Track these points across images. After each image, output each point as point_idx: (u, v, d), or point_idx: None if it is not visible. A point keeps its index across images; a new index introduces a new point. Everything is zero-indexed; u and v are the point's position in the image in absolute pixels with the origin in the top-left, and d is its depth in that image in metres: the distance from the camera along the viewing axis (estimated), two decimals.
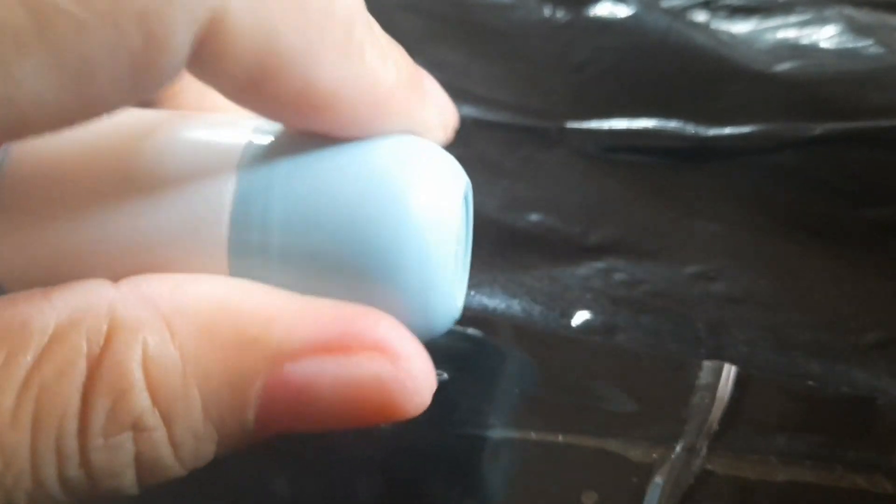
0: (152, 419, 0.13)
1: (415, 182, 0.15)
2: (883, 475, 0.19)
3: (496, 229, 0.27)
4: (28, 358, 0.13)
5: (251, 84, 0.14)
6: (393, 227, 0.15)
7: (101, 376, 0.13)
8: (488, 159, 0.29)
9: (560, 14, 0.31)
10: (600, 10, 0.31)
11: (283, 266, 0.15)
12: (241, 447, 0.15)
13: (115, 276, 0.15)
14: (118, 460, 0.13)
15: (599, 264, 0.25)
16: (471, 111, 0.30)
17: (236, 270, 0.15)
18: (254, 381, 0.14)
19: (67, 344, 0.13)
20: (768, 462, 0.20)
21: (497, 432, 0.21)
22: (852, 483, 0.19)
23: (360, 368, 0.14)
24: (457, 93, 0.31)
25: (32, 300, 0.14)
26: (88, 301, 0.14)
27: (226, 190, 0.15)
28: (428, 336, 0.16)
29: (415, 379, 0.15)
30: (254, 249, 0.15)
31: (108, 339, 0.13)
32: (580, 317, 0.23)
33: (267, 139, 0.16)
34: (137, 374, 0.13)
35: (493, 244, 0.26)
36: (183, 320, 0.14)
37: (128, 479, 0.14)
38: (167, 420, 0.13)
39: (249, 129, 0.16)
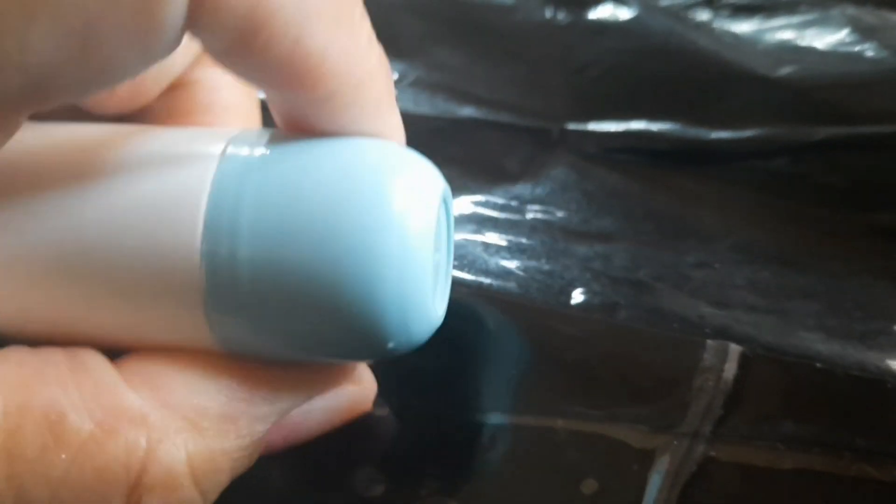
0: (197, 501, 0.15)
1: (391, 186, 0.15)
2: (894, 463, 0.19)
3: (494, 224, 0.26)
4: (64, 456, 0.14)
5: (242, 38, 0.14)
6: (370, 233, 0.14)
7: (149, 481, 0.15)
8: (489, 160, 0.29)
9: (561, 16, 0.31)
10: (602, 13, 0.31)
11: (254, 277, 0.15)
12: None
13: (89, 297, 0.15)
14: None
15: (598, 249, 0.25)
16: (472, 112, 0.30)
17: (210, 282, 0.15)
18: (262, 439, 0.16)
19: (108, 451, 0.14)
20: (775, 449, 0.19)
21: (493, 418, 0.20)
22: (861, 471, 0.19)
23: (338, 400, 0.18)
24: (458, 94, 0.31)
25: (61, 384, 0.15)
26: (119, 407, 0.15)
27: (200, 201, 0.15)
28: (406, 345, 0.16)
29: (372, 387, 0.19)
30: (224, 260, 0.15)
31: (151, 448, 0.15)
32: (579, 295, 0.23)
33: (242, 146, 0.16)
34: (185, 474, 0.15)
35: (491, 234, 0.26)
36: (206, 419, 0.15)
37: None
38: (205, 496, 0.15)
39: (225, 137, 0.16)
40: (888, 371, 0.20)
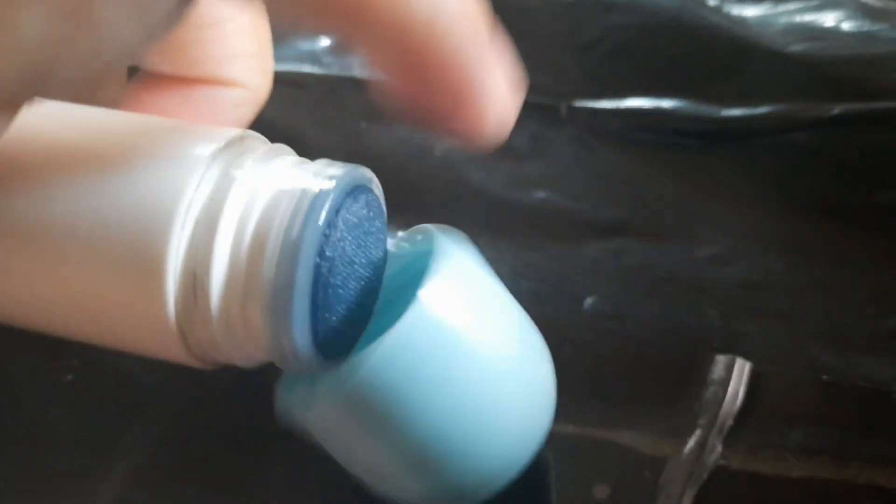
0: None
1: None
2: None
3: (501, 207, 0.26)
4: None
5: None
6: None
7: None
8: None
9: None
10: None
11: None
12: None
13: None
14: None
15: (609, 245, 0.25)
16: None
17: None
18: None
19: None
20: (784, 457, 0.19)
21: None
22: (869, 479, 0.19)
23: None
24: None
25: None
26: None
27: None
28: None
29: None
30: None
31: None
32: (590, 301, 0.23)
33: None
34: None
35: (498, 222, 0.26)
36: None
37: None
38: None
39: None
40: (894, 380, 0.21)
